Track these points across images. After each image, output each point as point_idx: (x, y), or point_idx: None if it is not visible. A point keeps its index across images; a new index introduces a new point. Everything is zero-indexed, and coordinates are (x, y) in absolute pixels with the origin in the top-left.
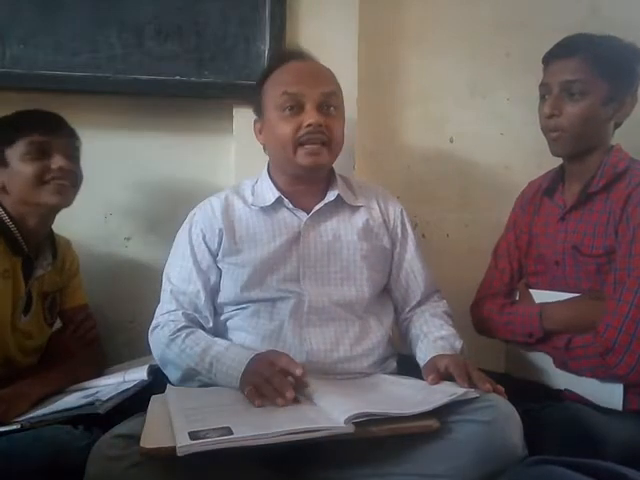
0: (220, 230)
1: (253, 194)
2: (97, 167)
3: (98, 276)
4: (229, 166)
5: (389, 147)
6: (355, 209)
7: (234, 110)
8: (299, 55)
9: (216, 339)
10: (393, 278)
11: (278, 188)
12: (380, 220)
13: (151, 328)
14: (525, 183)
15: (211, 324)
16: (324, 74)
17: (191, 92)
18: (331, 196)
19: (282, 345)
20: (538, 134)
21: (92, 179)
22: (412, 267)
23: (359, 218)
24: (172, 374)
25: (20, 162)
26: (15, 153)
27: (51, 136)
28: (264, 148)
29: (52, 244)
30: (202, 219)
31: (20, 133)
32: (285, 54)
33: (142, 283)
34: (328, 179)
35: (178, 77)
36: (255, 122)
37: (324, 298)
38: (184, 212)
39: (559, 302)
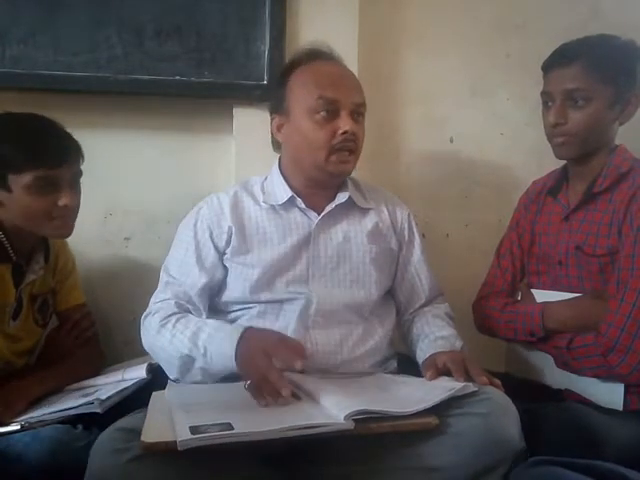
0: (229, 228)
1: (263, 192)
2: (97, 167)
3: (98, 276)
4: (229, 166)
5: (389, 147)
6: (365, 211)
7: (234, 110)
8: (329, 56)
9: (207, 320)
10: (398, 281)
11: (291, 187)
12: (388, 222)
13: (143, 317)
14: (525, 183)
15: (204, 316)
16: (356, 82)
17: (191, 92)
18: (342, 198)
19: None
20: (538, 134)
21: (92, 179)
22: (417, 271)
23: (369, 220)
24: (168, 366)
25: (25, 194)
26: (20, 182)
27: (59, 169)
28: (273, 145)
29: (45, 247)
30: (209, 215)
31: (27, 163)
32: (313, 52)
33: (142, 283)
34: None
35: (178, 77)
36: (273, 118)
37: (333, 300)
38: (184, 212)
39: (561, 301)
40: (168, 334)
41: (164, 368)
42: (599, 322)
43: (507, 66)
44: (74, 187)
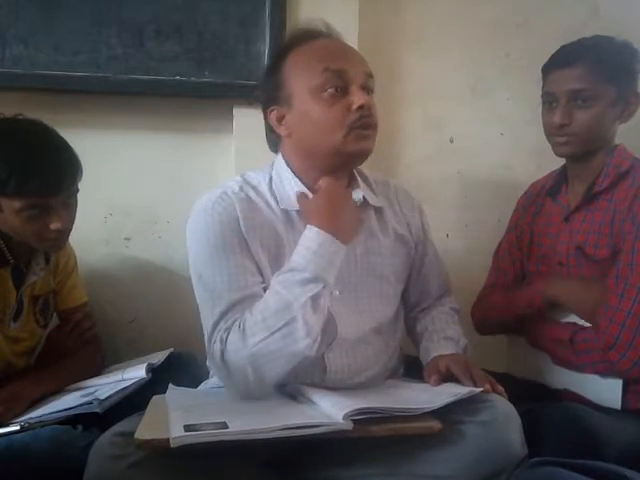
0: (245, 233)
1: (272, 194)
2: (97, 167)
3: (98, 276)
4: (229, 166)
5: (389, 147)
6: (379, 211)
7: (234, 110)
8: (327, 34)
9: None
10: (411, 282)
11: (308, 189)
12: (404, 224)
13: (216, 358)
14: (525, 183)
15: None
16: (362, 56)
17: (191, 92)
18: (356, 199)
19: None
20: (538, 134)
21: (92, 179)
22: (430, 271)
23: (385, 226)
24: (290, 352)
25: (15, 217)
26: (10, 205)
27: (51, 197)
28: (269, 144)
29: None
30: (226, 211)
31: (18, 191)
32: (310, 31)
33: (142, 283)
34: (349, 176)
35: (178, 77)
36: (271, 110)
37: (352, 322)
38: (184, 212)
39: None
40: (260, 328)
41: (280, 365)
42: (599, 307)
43: (507, 66)
44: (68, 208)
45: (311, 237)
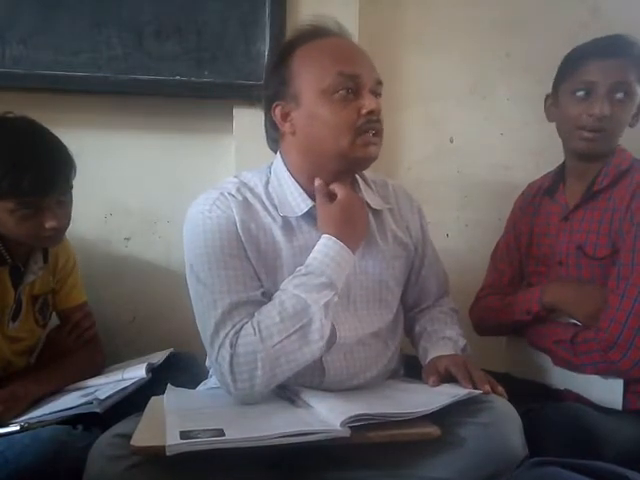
0: (242, 237)
1: (270, 198)
2: (97, 167)
3: (98, 276)
4: (229, 166)
5: (389, 147)
6: (377, 214)
7: (234, 110)
8: (337, 33)
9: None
10: (410, 284)
11: (306, 192)
12: (403, 227)
13: (217, 359)
14: (525, 183)
15: None
16: (369, 58)
17: (191, 92)
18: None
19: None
20: (538, 134)
21: (92, 179)
22: (429, 272)
23: (384, 230)
24: (303, 354)
25: (9, 217)
26: (3, 206)
27: (45, 196)
28: (268, 142)
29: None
30: (225, 213)
31: (10, 192)
32: (319, 29)
33: (142, 283)
34: (351, 179)
35: (178, 77)
36: (276, 106)
37: (351, 327)
38: (184, 212)
39: (563, 280)
40: (275, 328)
41: (292, 367)
42: (597, 310)
43: (507, 65)
44: (63, 206)
45: (329, 245)
